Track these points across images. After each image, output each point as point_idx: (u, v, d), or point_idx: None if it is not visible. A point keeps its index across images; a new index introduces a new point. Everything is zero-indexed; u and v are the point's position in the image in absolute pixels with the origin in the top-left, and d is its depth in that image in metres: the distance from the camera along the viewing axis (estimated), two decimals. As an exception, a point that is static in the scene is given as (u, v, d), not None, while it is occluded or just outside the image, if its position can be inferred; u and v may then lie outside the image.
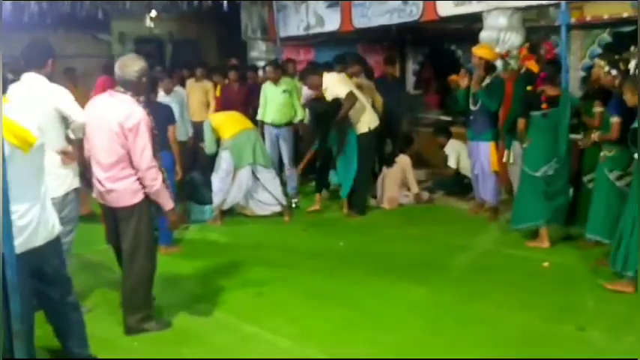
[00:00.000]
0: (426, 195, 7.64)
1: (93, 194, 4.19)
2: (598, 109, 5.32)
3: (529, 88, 5.77)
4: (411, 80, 11.55)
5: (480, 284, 4.84)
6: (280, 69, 8.14)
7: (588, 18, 7.65)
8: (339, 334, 4.05)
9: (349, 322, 4.23)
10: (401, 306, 4.47)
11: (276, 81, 7.93)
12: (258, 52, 10.63)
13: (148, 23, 11.53)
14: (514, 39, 7.07)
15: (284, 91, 7.91)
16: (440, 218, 6.97)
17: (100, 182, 3.98)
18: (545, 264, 5.20)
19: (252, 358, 3.77)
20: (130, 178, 3.90)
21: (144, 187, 3.92)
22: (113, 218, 4.05)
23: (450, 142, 7.96)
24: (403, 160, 7.57)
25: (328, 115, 6.89)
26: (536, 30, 7.84)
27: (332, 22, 9.34)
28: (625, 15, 7.12)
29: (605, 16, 7.49)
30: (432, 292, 4.70)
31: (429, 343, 3.87)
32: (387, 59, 9.06)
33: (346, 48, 10.42)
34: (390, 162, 7.55)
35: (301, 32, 9.87)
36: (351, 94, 6.70)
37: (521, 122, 5.66)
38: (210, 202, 6.97)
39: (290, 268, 5.38)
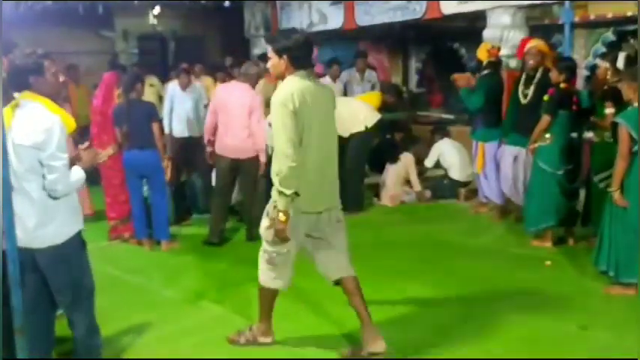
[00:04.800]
0: (428, 193, 7.63)
1: (218, 151, 5.92)
2: (610, 110, 5.28)
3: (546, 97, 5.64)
4: (413, 78, 11.55)
5: (483, 283, 4.83)
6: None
7: (592, 16, 7.62)
8: (340, 332, 4.04)
9: (350, 319, 4.22)
10: (402, 304, 4.46)
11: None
12: (261, 49, 10.60)
13: (152, 20, 11.53)
14: (517, 37, 7.06)
15: None
16: (442, 216, 6.96)
17: (234, 139, 5.82)
18: (548, 262, 5.19)
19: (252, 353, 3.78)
20: (251, 138, 5.81)
21: (255, 144, 5.83)
22: (231, 168, 5.92)
23: (440, 142, 7.90)
24: (407, 158, 7.56)
25: None
26: (540, 28, 7.82)
27: (335, 19, 9.33)
28: (629, 14, 7.09)
29: (609, 15, 7.45)
30: (433, 290, 4.70)
31: (430, 341, 3.87)
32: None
33: (349, 46, 10.43)
34: (394, 159, 7.53)
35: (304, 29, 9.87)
36: None
37: (546, 120, 5.43)
38: (209, 212, 6.97)
39: (292, 266, 5.37)
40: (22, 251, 3.02)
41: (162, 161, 5.86)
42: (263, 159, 5.92)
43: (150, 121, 5.70)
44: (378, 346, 3.55)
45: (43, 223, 3.06)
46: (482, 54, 6.48)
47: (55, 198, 3.08)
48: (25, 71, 3.12)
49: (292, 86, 3.37)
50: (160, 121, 5.97)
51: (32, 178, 3.02)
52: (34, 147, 2.97)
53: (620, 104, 5.18)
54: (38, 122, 3.00)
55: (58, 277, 3.15)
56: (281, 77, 3.51)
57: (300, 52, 3.43)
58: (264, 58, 8.21)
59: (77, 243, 3.21)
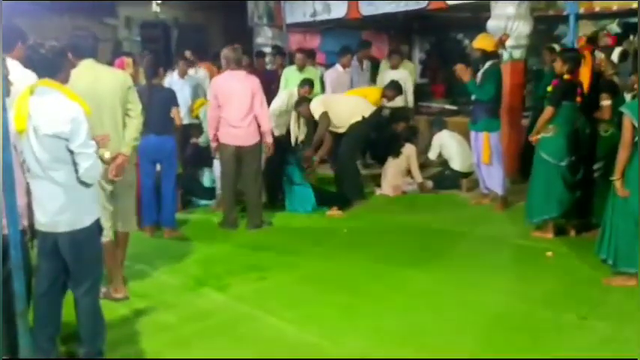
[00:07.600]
0: (430, 184, 7.63)
1: (222, 140, 5.95)
2: (606, 102, 5.26)
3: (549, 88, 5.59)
4: (417, 69, 11.53)
5: (483, 272, 4.84)
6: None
7: (597, 8, 7.59)
8: (341, 320, 4.06)
9: (351, 307, 4.25)
10: (403, 292, 4.48)
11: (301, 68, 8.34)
12: (264, 38, 10.60)
13: (155, 8, 11.49)
14: (522, 28, 7.05)
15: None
16: (443, 207, 6.95)
17: (237, 128, 5.89)
18: (549, 253, 5.20)
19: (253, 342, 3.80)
20: (254, 123, 5.95)
21: (260, 128, 5.97)
22: (236, 157, 5.98)
23: (440, 133, 7.86)
24: (409, 149, 7.56)
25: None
26: (545, 19, 7.80)
27: (339, 9, 9.31)
28: (634, 6, 7.06)
29: (614, 7, 7.43)
30: (434, 279, 4.71)
31: (431, 329, 3.88)
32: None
33: (352, 35, 10.42)
34: (396, 152, 7.53)
35: (308, 19, 9.84)
36: (323, 115, 6.94)
37: (549, 111, 5.40)
38: (206, 198, 7.07)
39: (293, 253, 5.39)
40: (44, 236, 3.15)
41: (177, 148, 5.96)
42: (270, 140, 6.08)
43: (170, 107, 5.76)
44: (120, 294, 4.38)
45: (68, 208, 3.13)
46: (487, 44, 6.41)
47: (87, 185, 3.16)
48: (51, 59, 3.14)
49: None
50: (179, 107, 5.99)
51: (59, 167, 3.07)
52: (62, 137, 3.01)
53: (616, 96, 5.19)
54: (63, 112, 3.03)
55: (78, 261, 3.22)
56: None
57: (82, 45, 4.10)
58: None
59: (97, 228, 3.30)
